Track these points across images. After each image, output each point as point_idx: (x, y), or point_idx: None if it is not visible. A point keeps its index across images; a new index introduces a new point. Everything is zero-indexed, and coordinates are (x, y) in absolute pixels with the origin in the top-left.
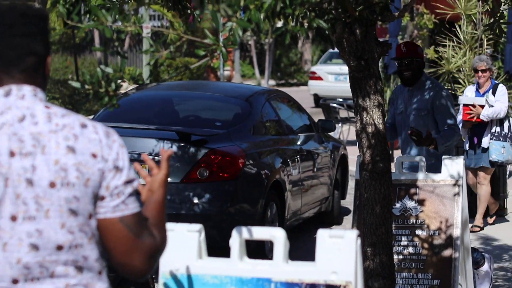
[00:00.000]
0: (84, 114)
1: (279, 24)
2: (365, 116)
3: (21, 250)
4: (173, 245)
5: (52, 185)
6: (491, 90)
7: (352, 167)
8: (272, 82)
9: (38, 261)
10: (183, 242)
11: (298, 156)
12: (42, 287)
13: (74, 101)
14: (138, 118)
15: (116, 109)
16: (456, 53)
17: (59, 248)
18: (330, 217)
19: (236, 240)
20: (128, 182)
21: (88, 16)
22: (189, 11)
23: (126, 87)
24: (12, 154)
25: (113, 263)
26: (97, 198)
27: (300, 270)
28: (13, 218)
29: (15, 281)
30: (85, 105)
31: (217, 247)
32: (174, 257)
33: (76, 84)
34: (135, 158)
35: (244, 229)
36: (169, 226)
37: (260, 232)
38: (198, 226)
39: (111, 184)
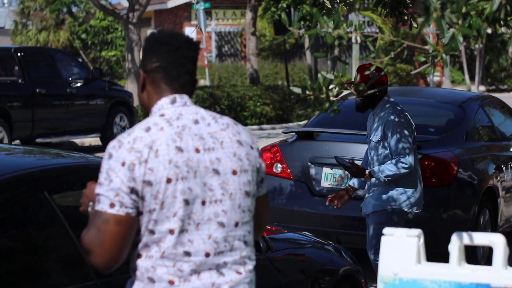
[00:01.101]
0: (295, 119)
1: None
2: None
3: (210, 228)
4: (392, 250)
5: (234, 172)
6: None
7: None
8: (482, 88)
9: (224, 237)
10: (402, 247)
11: (511, 163)
12: (225, 259)
13: (285, 107)
14: (350, 124)
15: (329, 115)
16: None
17: (236, 224)
18: None
19: (455, 246)
20: None
21: (303, 22)
22: (405, 18)
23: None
24: (197, 150)
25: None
26: (258, 180)
27: None
28: (203, 203)
29: (207, 255)
30: (296, 110)
31: (429, 252)
32: (393, 261)
33: (298, 90)
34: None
35: (463, 235)
36: (389, 230)
37: (479, 238)
38: (417, 231)
39: (262, 167)
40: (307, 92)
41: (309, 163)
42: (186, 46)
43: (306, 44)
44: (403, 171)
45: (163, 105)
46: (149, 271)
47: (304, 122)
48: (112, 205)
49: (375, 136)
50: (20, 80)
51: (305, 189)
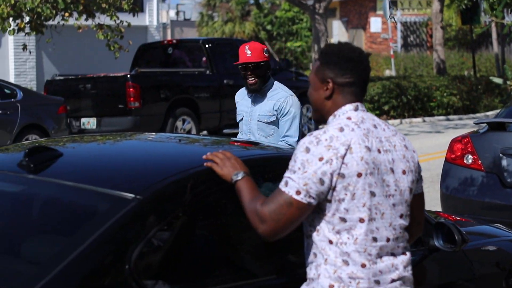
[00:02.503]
0: (483, 110)
1: None
2: None
3: (391, 217)
4: None
5: (404, 172)
6: None
7: None
8: None
9: (399, 224)
10: None
11: None
12: (400, 244)
13: (472, 97)
14: None
15: None
16: None
17: (401, 216)
18: None
19: None
20: None
21: (490, 12)
22: None
23: None
24: (378, 151)
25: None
26: (416, 180)
27: None
28: (384, 196)
29: (388, 240)
30: (484, 101)
31: None
32: None
33: (498, 80)
34: None
35: None
36: None
37: None
38: None
39: (420, 168)
40: (508, 83)
41: (500, 154)
42: (369, 63)
43: (494, 34)
44: None
45: (347, 110)
46: (344, 255)
47: (492, 112)
48: (298, 192)
49: (267, 117)
50: (208, 72)
51: (497, 180)
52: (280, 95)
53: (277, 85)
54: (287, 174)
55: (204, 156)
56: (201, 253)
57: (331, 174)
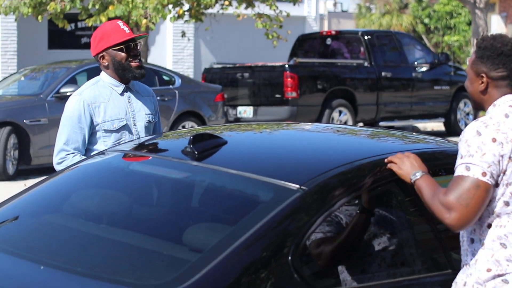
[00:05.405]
0: None
1: None
2: None
3: None
4: None
5: None
6: None
7: None
8: None
9: None
10: None
11: None
12: None
13: None
14: None
15: None
16: None
17: None
18: None
19: None
20: None
21: None
22: None
23: None
24: None
25: None
26: None
27: None
28: None
29: None
30: None
31: None
32: None
33: None
34: None
35: None
36: None
37: None
38: None
39: None
40: None
41: None
42: None
43: None
44: None
45: (508, 100)
46: (501, 239)
47: None
48: (484, 174)
49: (152, 116)
50: (366, 63)
51: None
52: (148, 89)
53: None
54: (463, 160)
55: (385, 160)
56: (365, 246)
57: (502, 157)
